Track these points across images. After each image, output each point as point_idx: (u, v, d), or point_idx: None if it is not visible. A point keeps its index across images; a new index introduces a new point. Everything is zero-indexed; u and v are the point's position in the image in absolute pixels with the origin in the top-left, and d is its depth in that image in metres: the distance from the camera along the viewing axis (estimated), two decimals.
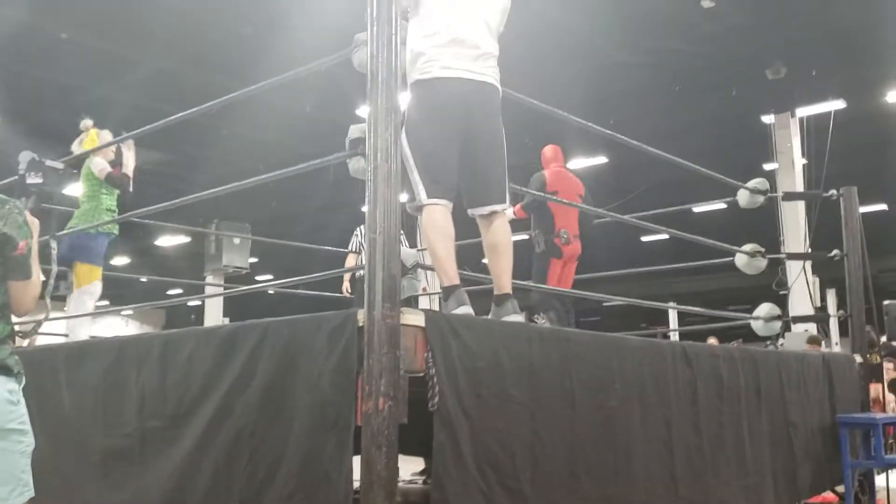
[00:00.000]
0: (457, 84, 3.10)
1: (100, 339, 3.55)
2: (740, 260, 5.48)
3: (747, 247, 5.48)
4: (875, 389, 5.33)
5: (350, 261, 7.21)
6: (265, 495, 2.54)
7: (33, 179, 2.83)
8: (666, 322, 21.46)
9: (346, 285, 7.36)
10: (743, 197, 5.58)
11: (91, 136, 5.85)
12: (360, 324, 2.41)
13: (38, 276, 2.53)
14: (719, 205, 10.77)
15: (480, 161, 3.18)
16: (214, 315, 13.89)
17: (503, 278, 3.15)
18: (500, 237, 3.19)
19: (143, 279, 12.88)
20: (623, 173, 14.31)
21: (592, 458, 2.95)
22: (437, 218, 3.05)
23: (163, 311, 24.59)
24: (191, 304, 19.02)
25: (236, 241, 13.20)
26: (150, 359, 3.05)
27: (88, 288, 5.47)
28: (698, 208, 13.36)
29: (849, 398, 5.03)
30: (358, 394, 2.36)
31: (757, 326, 5.42)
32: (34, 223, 2.70)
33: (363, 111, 7.84)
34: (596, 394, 3.03)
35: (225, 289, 12.27)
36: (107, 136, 5.88)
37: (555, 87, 9.21)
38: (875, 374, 5.53)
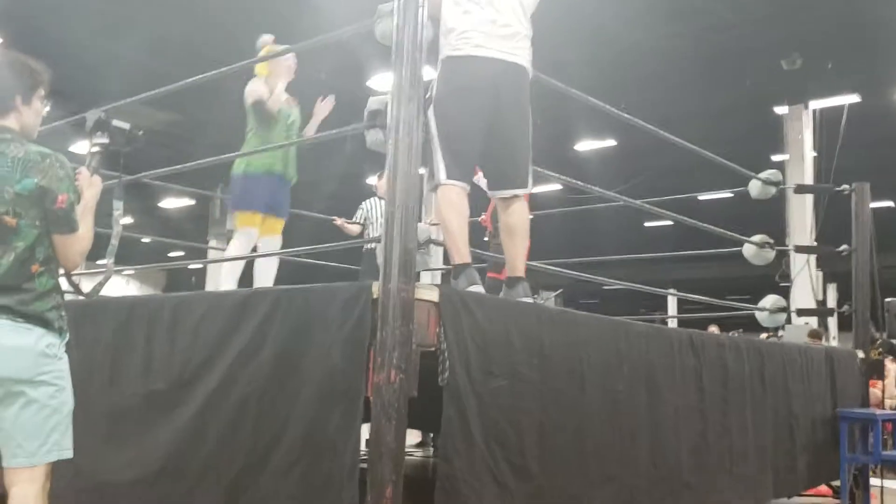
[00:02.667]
0: (487, 63, 3.07)
1: (110, 298, 3.54)
2: (749, 250, 5.47)
3: (756, 237, 5.47)
4: (874, 395, 5.34)
5: (353, 230, 7.12)
6: (269, 462, 2.55)
7: (98, 139, 2.80)
8: (665, 308, 21.52)
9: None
10: (755, 187, 5.56)
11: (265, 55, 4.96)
12: (375, 296, 2.41)
13: (87, 231, 2.53)
14: (725, 194, 10.76)
15: (506, 143, 3.15)
16: (215, 278, 13.91)
17: (517, 261, 3.15)
18: (518, 220, 3.18)
19: (147, 239, 12.82)
20: (631, 157, 14.26)
21: (598, 440, 2.96)
22: (453, 197, 3.03)
23: (164, 273, 24.62)
24: (192, 266, 19.08)
25: None
26: (160, 321, 3.05)
27: (238, 231, 4.95)
28: (703, 196, 13.33)
29: (849, 393, 5.05)
30: (369, 365, 2.37)
31: (762, 317, 5.42)
32: (95, 181, 2.69)
33: (375, 82, 7.81)
34: (604, 377, 3.03)
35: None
36: (284, 58, 4.99)
37: (568, 68, 9.11)
38: (876, 370, 5.54)
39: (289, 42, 4.82)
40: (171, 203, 16.72)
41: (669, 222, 19.29)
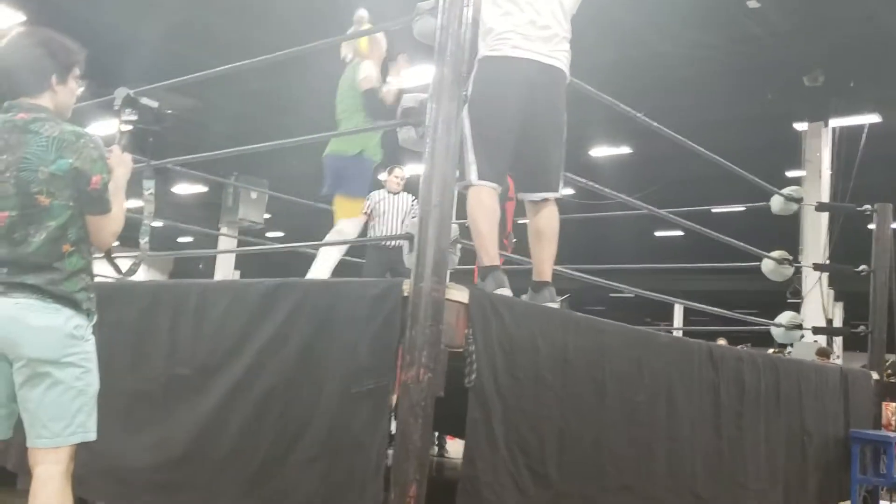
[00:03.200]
0: (524, 65, 3.07)
1: (135, 283, 3.55)
2: (767, 266, 5.46)
3: (776, 253, 5.45)
4: (886, 416, 5.32)
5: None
6: (293, 454, 2.56)
7: (127, 116, 2.80)
8: (671, 319, 21.48)
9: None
10: (777, 203, 5.54)
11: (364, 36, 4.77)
12: (405, 294, 2.41)
13: (119, 211, 2.53)
14: (740, 207, 10.73)
15: (539, 146, 3.15)
16: (226, 266, 13.95)
17: (545, 265, 3.14)
18: (548, 225, 3.17)
19: (160, 224, 12.84)
20: (645, 166, 14.23)
21: (617, 450, 2.96)
22: (484, 198, 3.03)
23: (170, 260, 24.62)
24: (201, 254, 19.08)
25: (253, 195, 13.21)
26: (185, 307, 3.06)
27: (342, 225, 4.74)
28: (717, 209, 13.30)
29: (862, 414, 5.04)
30: (397, 363, 2.37)
31: (777, 333, 5.41)
32: (125, 158, 2.69)
33: (393, 79, 7.67)
34: (625, 386, 3.03)
35: (240, 242, 12.31)
36: (380, 37, 4.80)
37: (591, 72, 9.11)
38: (889, 392, 5.52)
39: (315, 33, 4.83)
40: (183, 189, 16.76)
41: (680, 232, 19.33)
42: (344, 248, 4.92)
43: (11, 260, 2.34)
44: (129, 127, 2.77)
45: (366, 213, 6.98)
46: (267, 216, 16.80)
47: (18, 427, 2.48)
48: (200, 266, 19.12)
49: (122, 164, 2.67)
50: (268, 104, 12.57)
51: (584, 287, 6.60)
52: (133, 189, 2.75)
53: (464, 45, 2.53)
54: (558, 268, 3.50)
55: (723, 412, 3.59)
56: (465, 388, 2.43)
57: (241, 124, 13.02)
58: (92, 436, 2.43)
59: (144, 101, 2.83)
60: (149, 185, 2.95)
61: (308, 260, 4.96)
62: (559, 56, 3.18)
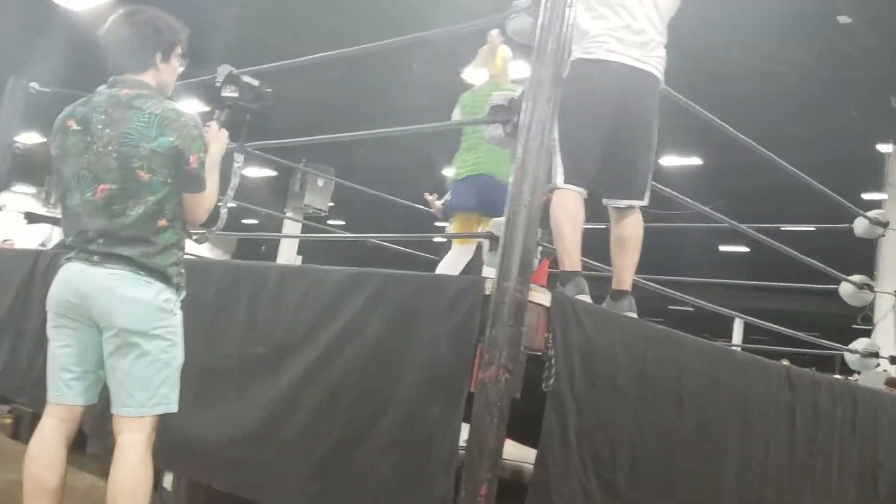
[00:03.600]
0: (617, 69, 3.02)
1: (215, 261, 3.62)
2: (846, 289, 5.29)
3: (856, 277, 5.28)
4: None
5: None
6: (364, 441, 2.57)
7: (228, 93, 2.85)
8: (729, 335, 21.01)
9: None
10: (861, 225, 5.36)
11: (500, 54, 4.76)
12: (487, 292, 2.40)
13: (213, 188, 2.59)
14: (809, 227, 10.42)
15: (627, 152, 3.10)
16: (289, 250, 14.19)
17: (625, 274, 3.10)
18: (631, 233, 3.12)
19: (233, 204, 13.14)
20: (715, 178, 13.94)
21: (688, 465, 2.91)
22: (569, 202, 3.00)
23: (234, 238, 25.14)
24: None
25: (320, 182, 13.38)
26: (265, 288, 3.10)
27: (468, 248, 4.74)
28: (787, 227, 12.98)
29: None
30: (475, 361, 2.36)
31: (852, 360, 5.25)
32: (222, 135, 2.74)
33: (469, 74, 7.68)
34: (700, 402, 2.97)
35: (304, 228, 12.48)
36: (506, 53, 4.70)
37: (667, 82, 8.98)
38: None
39: (393, 25, 4.84)
40: (252, 172, 17.07)
41: (745, 248, 18.92)
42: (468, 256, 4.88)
43: (108, 231, 2.41)
44: (230, 103, 2.82)
45: (445, 204, 7.02)
46: (330, 204, 17.01)
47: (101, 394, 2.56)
48: (263, 248, 19.47)
49: (218, 140, 2.73)
50: (342, 93, 12.69)
51: (642, 297, 6.49)
52: (223, 161, 2.79)
53: (564, 46, 2.51)
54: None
55: (797, 436, 3.49)
56: (532, 393, 2.41)
57: (313, 111, 13.18)
58: (174, 408, 2.49)
59: (246, 78, 2.87)
60: (239, 159, 3.00)
61: (370, 250, 4.97)
62: (653, 62, 3.12)
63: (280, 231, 14.34)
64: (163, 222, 2.46)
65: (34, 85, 5.77)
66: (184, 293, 2.56)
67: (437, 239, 8.55)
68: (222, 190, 2.81)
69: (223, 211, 2.85)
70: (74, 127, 2.47)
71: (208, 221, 2.69)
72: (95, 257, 2.41)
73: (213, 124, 2.76)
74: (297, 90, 12.93)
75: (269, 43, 10.33)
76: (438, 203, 7.12)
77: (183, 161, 2.44)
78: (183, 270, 2.54)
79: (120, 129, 2.41)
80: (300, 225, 13.23)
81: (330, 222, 22.52)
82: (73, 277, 2.44)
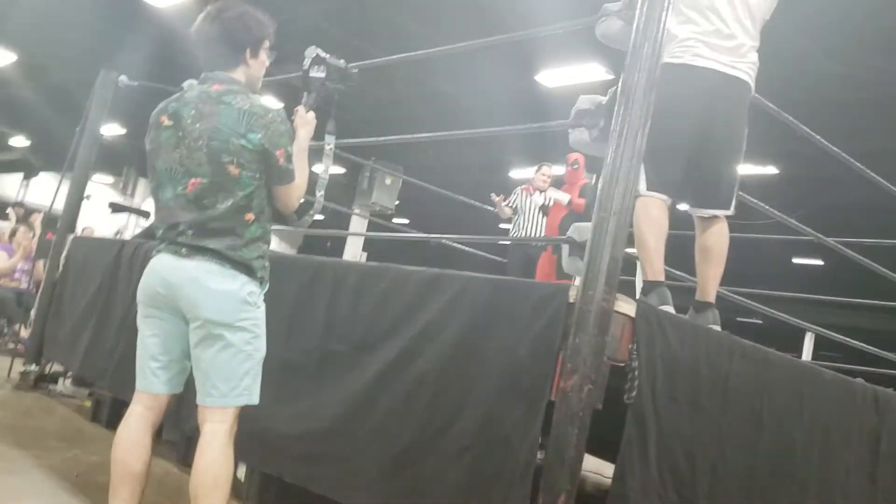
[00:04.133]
0: (706, 74, 2.95)
1: (297, 257, 3.67)
2: None
3: None
4: None
5: (505, 212, 7.10)
6: (440, 442, 2.57)
7: (316, 73, 2.88)
8: (798, 351, 20.39)
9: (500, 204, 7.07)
10: None
11: None
12: (571, 300, 2.37)
13: (302, 176, 2.61)
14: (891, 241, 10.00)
15: (714, 160, 3.02)
16: (355, 247, 14.30)
17: (709, 285, 3.02)
18: (717, 243, 3.04)
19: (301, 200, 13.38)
20: (790, 189, 13.52)
21: (768, 485, 2.83)
22: (652, 210, 2.93)
23: (300, 234, 25.55)
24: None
25: (388, 181, 13.43)
26: (345, 286, 3.13)
27: None
28: (872, 241, 12.49)
29: None
30: (557, 369, 2.33)
31: None
32: (310, 119, 2.77)
33: (543, 77, 7.67)
34: (783, 421, 2.88)
35: (371, 225, 12.58)
36: None
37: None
38: None
39: (466, 29, 4.83)
40: (322, 169, 17.28)
41: (820, 262, 18.33)
42: None
43: (197, 223, 2.45)
44: (318, 85, 2.83)
45: (511, 206, 7.02)
46: (396, 202, 17.12)
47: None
48: (328, 244, 19.70)
49: (306, 124, 2.75)
50: (410, 94, 12.76)
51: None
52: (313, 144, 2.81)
53: (658, 51, 2.46)
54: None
55: (881, 462, 3.36)
56: (612, 405, 2.36)
57: (383, 111, 13.28)
58: (255, 399, 2.52)
59: (332, 59, 2.88)
60: (330, 140, 3.01)
61: (433, 248, 4.96)
62: (744, 68, 3.04)
63: (346, 228, 14.48)
64: (250, 216, 2.49)
65: (123, 78, 5.94)
66: (267, 286, 2.59)
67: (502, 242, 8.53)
68: (314, 175, 2.82)
69: (319, 195, 2.86)
70: (167, 122, 2.52)
71: (303, 208, 2.71)
72: (183, 249, 2.46)
73: (300, 108, 2.78)
74: (370, 89, 13.08)
75: (350, 42, 10.43)
76: (504, 204, 7.12)
77: (272, 157, 2.47)
78: (267, 264, 2.57)
79: (210, 123, 2.44)
80: (366, 222, 13.34)
81: (395, 220, 22.72)
82: (162, 269, 2.50)
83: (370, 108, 13.50)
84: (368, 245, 15.76)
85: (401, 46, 4.09)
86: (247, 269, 2.49)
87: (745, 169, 13.38)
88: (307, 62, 2.88)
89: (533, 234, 6.75)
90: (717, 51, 2.98)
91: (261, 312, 2.55)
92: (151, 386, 2.56)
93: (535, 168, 7.03)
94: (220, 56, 2.57)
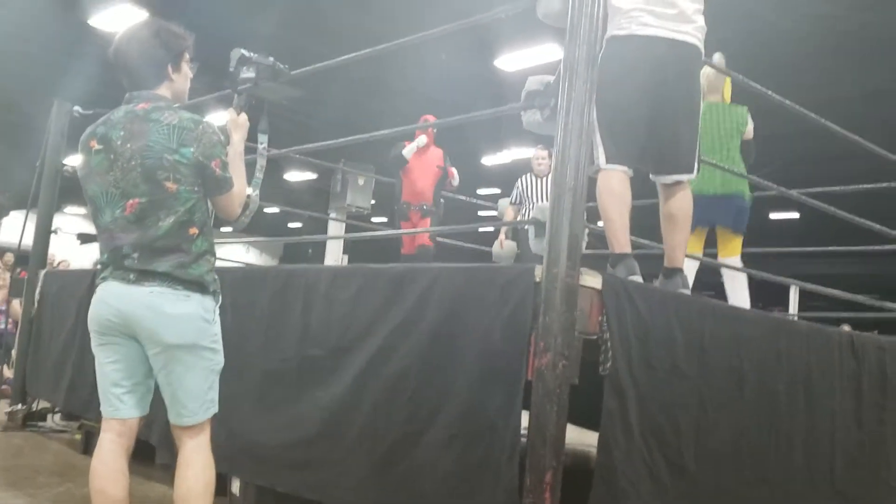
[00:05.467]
0: (653, 42, 2.95)
1: (267, 267, 3.66)
2: None
3: None
4: None
5: (509, 213, 7.01)
6: (426, 435, 2.58)
7: (245, 74, 2.86)
8: (784, 304, 20.59)
9: (501, 238, 6.89)
10: None
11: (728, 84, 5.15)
12: (537, 279, 2.38)
13: (240, 182, 2.60)
14: (860, 187, 10.09)
15: (671, 127, 3.03)
16: (335, 251, 14.27)
17: (677, 251, 3.05)
18: (680, 208, 3.06)
19: (275, 209, 13.33)
20: (761, 145, 13.60)
21: (755, 441, 2.86)
22: (615, 184, 2.95)
23: (280, 245, 25.52)
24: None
25: (360, 181, 13.41)
26: (317, 291, 3.13)
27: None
28: (836, 189, 12.61)
29: None
30: (530, 349, 2.35)
31: None
32: (242, 122, 2.76)
33: (503, 62, 7.70)
34: (763, 376, 2.92)
35: (349, 228, 12.54)
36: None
37: (708, 50, 8.79)
38: None
39: (417, 22, 4.80)
40: (293, 176, 17.24)
41: (796, 214, 18.49)
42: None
43: (142, 244, 2.43)
44: (248, 85, 2.80)
45: (514, 202, 6.96)
46: (372, 202, 17.10)
47: (158, 404, 2.61)
48: (310, 251, 19.66)
49: (238, 127, 2.75)
50: (372, 92, 12.71)
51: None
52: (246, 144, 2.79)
53: (597, 26, 2.47)
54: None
55: (864, 404, 3.41)
56: (590, 378, 2.39)
57: (347, 112, 13.23)
58: (216, 408, 2.57)
59: (259, 58, 2.86)
60: (263, 139, 2.99)
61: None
62: (691, 31, 3.05)
63: (325, 233, 14.45)
64: (194, 230, 2.47)
65: (77, 109, 5.88)
66: (220, 299, 2.59)
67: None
68: (250, 175, 2.81)
69: (254, 194, 2.83)
70: (96, 146, 2.49)
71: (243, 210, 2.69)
72: (131, 275, 2.43)
73: (231, 112, 2.77)
74: (332, 92, 13.03)
75: (309, 48, 10.37)
76: (506, 241, 6.91)
77: (208, 169, 2.46)
78: (216, 277, 2.57)
79: (140, 142, 2.42)
80: (344, 225, 13.30)
81: (374, 219, 22.68)
82: (111, 297, 2.47)
83: (334, 111, 13.46)
84: (349, 247, 15.74)
85: (361, 47, 4.07)
86: (199, 286, 2.47)
87: None
88: (233, 64, 2.86)
89: None
90: (663, 18, 2.99)
91: (217, 327, 2.56)
92: (119, 412, 2.55)
93: (537, 148, 7.02)
94: (143, 77, 2.55)
